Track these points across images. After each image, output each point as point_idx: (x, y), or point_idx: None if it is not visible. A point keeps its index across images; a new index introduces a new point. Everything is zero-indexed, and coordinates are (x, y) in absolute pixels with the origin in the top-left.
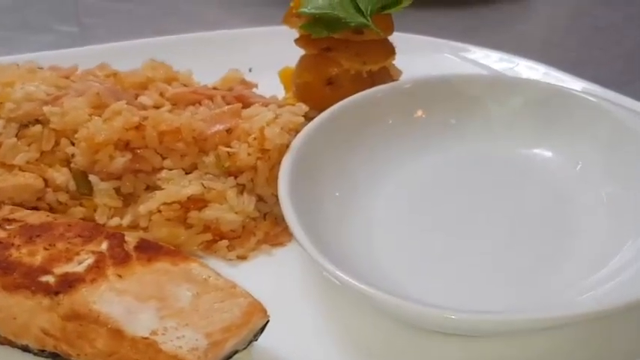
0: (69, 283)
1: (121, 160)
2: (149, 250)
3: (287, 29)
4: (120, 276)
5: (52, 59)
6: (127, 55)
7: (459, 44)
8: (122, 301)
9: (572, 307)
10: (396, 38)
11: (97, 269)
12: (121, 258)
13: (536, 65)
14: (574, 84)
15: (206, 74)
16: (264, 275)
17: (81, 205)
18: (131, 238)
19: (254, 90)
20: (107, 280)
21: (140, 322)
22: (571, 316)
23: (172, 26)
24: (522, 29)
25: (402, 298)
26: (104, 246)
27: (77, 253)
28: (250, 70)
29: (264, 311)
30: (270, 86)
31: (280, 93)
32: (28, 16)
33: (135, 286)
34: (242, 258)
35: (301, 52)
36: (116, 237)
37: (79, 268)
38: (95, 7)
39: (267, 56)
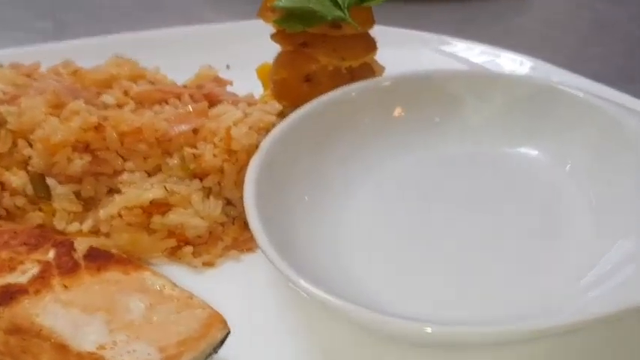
0: (11, 294)
1: (79, 163)
2: (99, 258)
3: (264, 26)
4: (66, 286)
5: (17, 57)
6: (97, 52)
7: (447, 38)
8: (68, 313)
9: (561, 316)
10: (379, 32)
11: (42, 279)
12: (68, 267)
13: (524, 59)
14: (566, 78)
15: (182, 72)
16: (232, 283)
17: (40, 210)
18: (81, 246)
19: (228, 87)
20: (52, 291)
21: (87, 336)
22: (559, 326)
23: (155, 22)
24: (520, 23)
25: (376, 312)
26: (51, 254)
27: (21, 263)
28: (228, 67)
29: (224, 322)
30: (249, 83)
31: (259, 90)
32: (3, 12)
33: (82, 297)
34: (208, 265)
35: (279, 48)
36: (64, 245)
37: (23, 279)
38: (72, 3)
39: (245, 52)
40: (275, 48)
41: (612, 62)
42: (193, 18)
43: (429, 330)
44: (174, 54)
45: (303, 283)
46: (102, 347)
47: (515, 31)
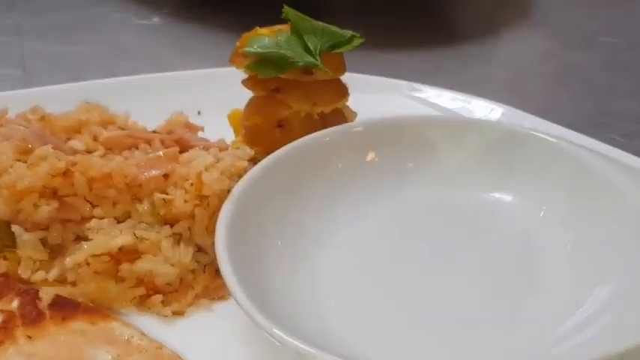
0: None
1: (46, 209)
2: (65, 307)
3: (236, 71)
4: (30, 337)
5: None
6: (66, 98)
7: (417, 85)
8: None
9: None
10: (350, 79)
11: (5, 330)
12: (32, 317)
13: (495, 105)
14: (537, 124)
15: (153, 119)
16: (203, 333)
17: (4, 258)
18: (46, 295)
19: (199, 133)
20: (15, 343)
21: None
22: None
23: (123, 69)
24: (487, 70)
25: None
26: (15, 304)
27: None
28: (199, 113)
29: None
30: (220, 130)
31: (230, 137)
32: None
33: (47, 348)
34: (178, 314)
35: (250, 94)
36: (29, 294)
37: None
38: (42, 51)
39: (217, 98)
40: (247, 94)
41: (580, 108)
42: (163, 66)
43: None
44: (144, 100)
45: (276, 331)
46: None
47: (484, 79)
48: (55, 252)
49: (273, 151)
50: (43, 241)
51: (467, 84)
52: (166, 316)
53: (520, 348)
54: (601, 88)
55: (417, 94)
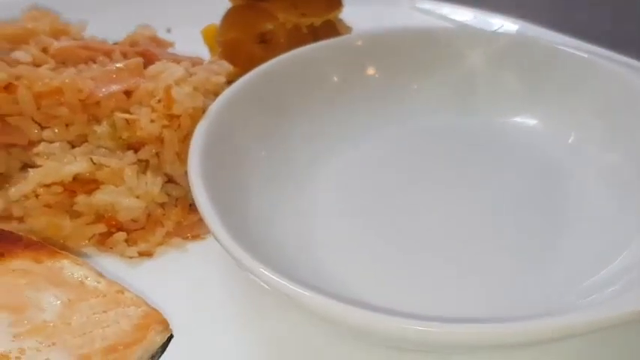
0: None
1: None
2: (2, 242)
3: None
4: None
5: None
6: (10, 7)
7: None
8: None
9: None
10: None
11: None
12: None
13: (507, 21)
14: (558, 41)
15: (114, 35)
16: (174, 276)
17: None
18: None
19: (169, 50)
20: None
21: None
22: (573, 325)
23: None
24: None
25: (351, 305)
26: None
27: None
28: (169, 31)
29: (165, 323)
30: (193, 48)
31: (205, 57)
32: None
33: None
34: (145, 255)
35: (227, 5)
36: None
37: None
38: None
39: (189, 13)
40: (223, 8)
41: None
42: None
43: (422, 329)
44: (103, 14)
45: (265, 273)
46: (4, 357)
47: None
48: None
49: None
50: None
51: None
52: (131, 257)
53: (544, 299)
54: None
55: (419, 8)
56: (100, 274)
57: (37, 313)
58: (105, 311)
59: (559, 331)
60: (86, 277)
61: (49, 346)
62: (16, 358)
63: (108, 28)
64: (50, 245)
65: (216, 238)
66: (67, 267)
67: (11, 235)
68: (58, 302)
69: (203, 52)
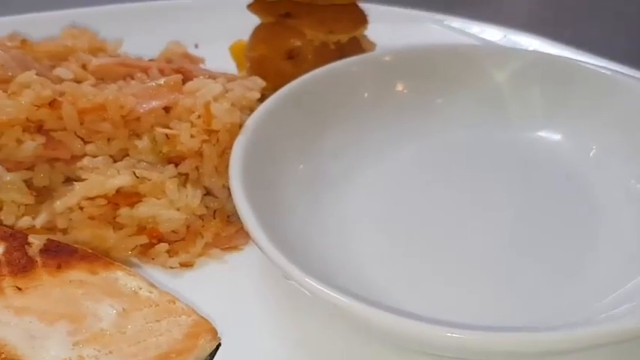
0: None
1: (31, 145)
2: (59, 254)
3: (238, 0)
4: (19, 289)
5: None
6: (49, 27)
7: (440, 16)
8: (22, 322)
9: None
10: (367, 10)
11: None
12: (21, 265)
13: (529, 38)
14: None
15: (144, 52)
16: (215, 287)
17: None
18: (37, 240)
19: (200, 66)
20: (2, 295)
21: (46, 350)
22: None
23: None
24: (511, 3)
25: (392, 313)
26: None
27: None
28: (197, 47)
29: (214, 332)
30: (221, 64)
31: (232, 71)
32: None
33: (39, 302)
34: (186, 266)
35: (256, 23)
36: (16, 238)
37: None
38: None
39: (216, 30)
40: (250, 25)
41: (612, 43)
42: None
43: (460, 336)
44: (135, 32)
45: (310, 282)
46: None
47: (508, 12)
48: (42, 195)
49: (281, 87)
50: (28, 183)
51: (489, 17)
52: (173, 267)
53: (569, 310)
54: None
55: (441, 26)
56: (152, 285)
57: (94, 322)
58: (158, 320)
59: (601, 338)
60: (139, 288)
61: (106, 354)
62: None
63: (138, 44)
64: (103, 256)
65: (261, 249)
66: (122, 278)
67: (67, 247)
68: (114, 312)
69: (230, 67)
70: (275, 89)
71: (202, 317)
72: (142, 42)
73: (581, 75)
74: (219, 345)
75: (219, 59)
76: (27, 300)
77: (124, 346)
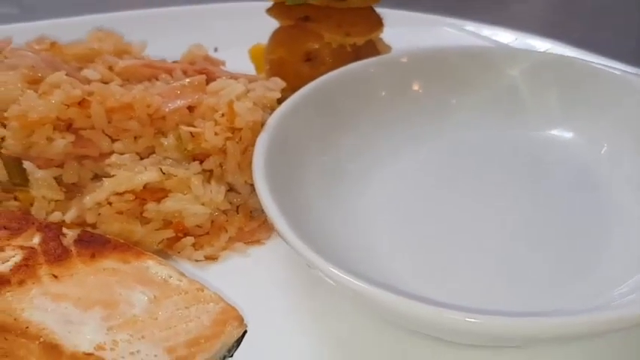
0: None
1: (61, 143)
2: (93, 244)
3: (256, 5)
4: (56, 277)
5: None
6: (74, 32)
7: (454, 20)
8: (59, 307)
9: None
10: (383, 14)
11: (27, 268)
12: (57, 254)
13: (540, 41)
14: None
15: (166, 55)
16: (239, 279)
17: (15, 198)
18: (71, 231)
19: (221, 68)
20: (39, 282)
21: (82, 335)
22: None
23: (127, 6)
24: (521, 9)
25: (414, 299)
26: (36, 240)
27: (1, 249)
28: (216, 50)
29: (241, 319)
30: (239, 67)
31: (251, 74)
32: None
33: (75, 289)
34: (211, 259)
35: (273, 27)
36: (51, 229)
37: (3, 268)
38: None
39: (234, 34)
40: (267, 30)
41: (622, 47)
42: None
43: (476, 321)
44: (155, 37)
45: (335, 271)
46: (100, 347)
47: (519, 17)
48: (71, 191)
49: (299, 88)
50: (58, 180)
51: (501, 21)
52: (198, 260)
53: (580, 300)
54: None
55: (454, 29)
56: (182, 273)
57: (127, 309)
58: (187, 307)
59: (622, 322)
60: (169, 276)
61: (139, 339)
62: (111, 349)
63: (159, 48)
64: (134, 246)
65: (286, 241)
66: (152, 267)
67: (100, 237)
68: (146, 299)
69: (248, 70)
70: (293, 90)
71: (229, 305)
72: (163, 45)
73: (592, 75)
74: (245, 332)
75: (238, 62)
76: (63, 287)
77: (155, 332)
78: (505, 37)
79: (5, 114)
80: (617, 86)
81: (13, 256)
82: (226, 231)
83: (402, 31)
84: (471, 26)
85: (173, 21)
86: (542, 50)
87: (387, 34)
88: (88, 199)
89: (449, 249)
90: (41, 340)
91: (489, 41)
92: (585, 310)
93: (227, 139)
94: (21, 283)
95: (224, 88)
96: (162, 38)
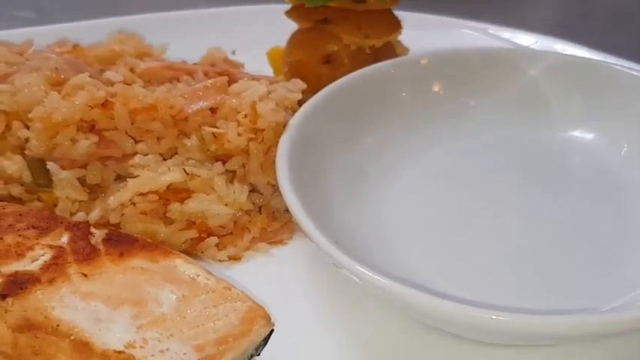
0: (20, 284)
1: (85, 144)
2: (121, 243)
3: (273, 8)
4: (85, 275)
5: (5, 37)
6: (92, 35)
7: (471, 22)
8: (88, 306)
9: None
10: (401, 17)
11: (56, 267)
12: (86, 253)
13: (560, 43)
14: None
15: (185, 57)
16: (263, 279)
17: (39, 199)
18: (99, 231)
19: (240, 70)
20: (69, 281)
21: (112, 333)
22: None
23: (143, 10)
24: (534, 11)
25: (446, 298)
26: (65, 239)
27: (31, 248)
28: (233, 53)
29: (268, 318)
30: (257, 69)
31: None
32: None
33: (104, 287)
34: (234, 259)
35: (291, 30)
36: (80, 228)
37: (33, 266)
38: None
39: (252, 37)
40: (285, 32)
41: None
42: (183, 3)
43: (504, 319)
44: (174, 38)
45: (361, 269)
46: (130, 345)
47: (532, 20)
48: (95, 192)
49: (318, 90)
50: (82, 180)
51: (515, 24)
52: (221, 260)
53: (601, 299)
54: None
55: (473, 31)
56: (209, 272)
57: (156, 307)
58: (215, 306)
59: None
60: (197, 275)
61: (168, 337)
62: (141, 347)
63: (179, 50)
64: (162, 245)
65: (312, 240)
66: (180, 265)
67: (128, 236)
68: (174, 297)
69: (266, 72)
70: (313, 93)
71: (257, 304)
72: (182, 48)
73: (613, 77)
74: (272, 330)
75: (256, 65)
76: (92, 286)
77: (184, 330)
78: (525, 39)
79: (29, 115)
80: (637, 87)
81: (42, 255)
82: (249, 231)
83: (420, 34)
84: (489, 28)
85: (191, 24)
86: (565, 51)
87: (405, 37)
88: (112, 200)
89: (471, 250)
90: (72, 338)
91: (509, 43)
92: (612, 309)
93: (250, 139)
94: (51, 281)
95: (246, 90)
96: (180, 41)
